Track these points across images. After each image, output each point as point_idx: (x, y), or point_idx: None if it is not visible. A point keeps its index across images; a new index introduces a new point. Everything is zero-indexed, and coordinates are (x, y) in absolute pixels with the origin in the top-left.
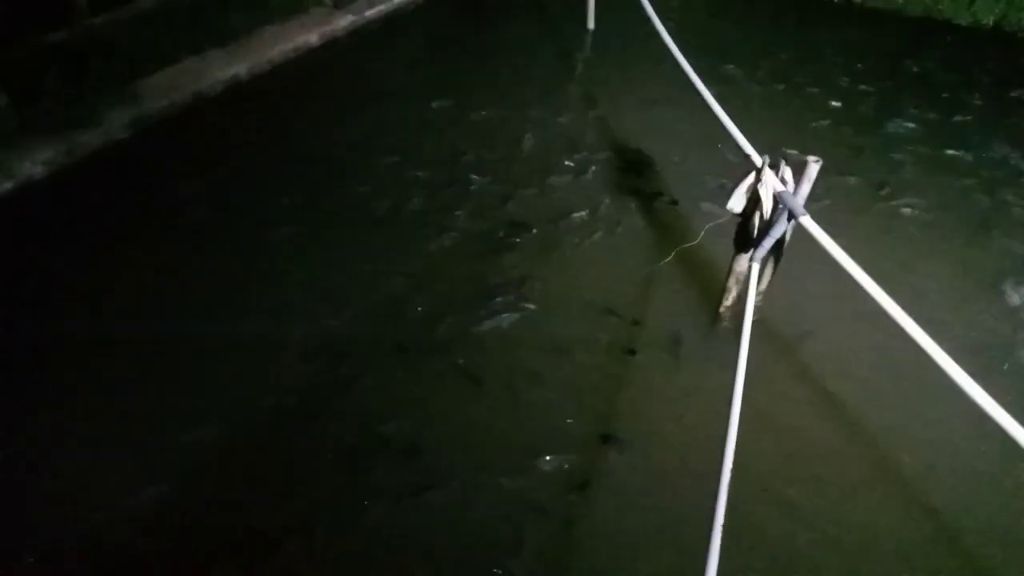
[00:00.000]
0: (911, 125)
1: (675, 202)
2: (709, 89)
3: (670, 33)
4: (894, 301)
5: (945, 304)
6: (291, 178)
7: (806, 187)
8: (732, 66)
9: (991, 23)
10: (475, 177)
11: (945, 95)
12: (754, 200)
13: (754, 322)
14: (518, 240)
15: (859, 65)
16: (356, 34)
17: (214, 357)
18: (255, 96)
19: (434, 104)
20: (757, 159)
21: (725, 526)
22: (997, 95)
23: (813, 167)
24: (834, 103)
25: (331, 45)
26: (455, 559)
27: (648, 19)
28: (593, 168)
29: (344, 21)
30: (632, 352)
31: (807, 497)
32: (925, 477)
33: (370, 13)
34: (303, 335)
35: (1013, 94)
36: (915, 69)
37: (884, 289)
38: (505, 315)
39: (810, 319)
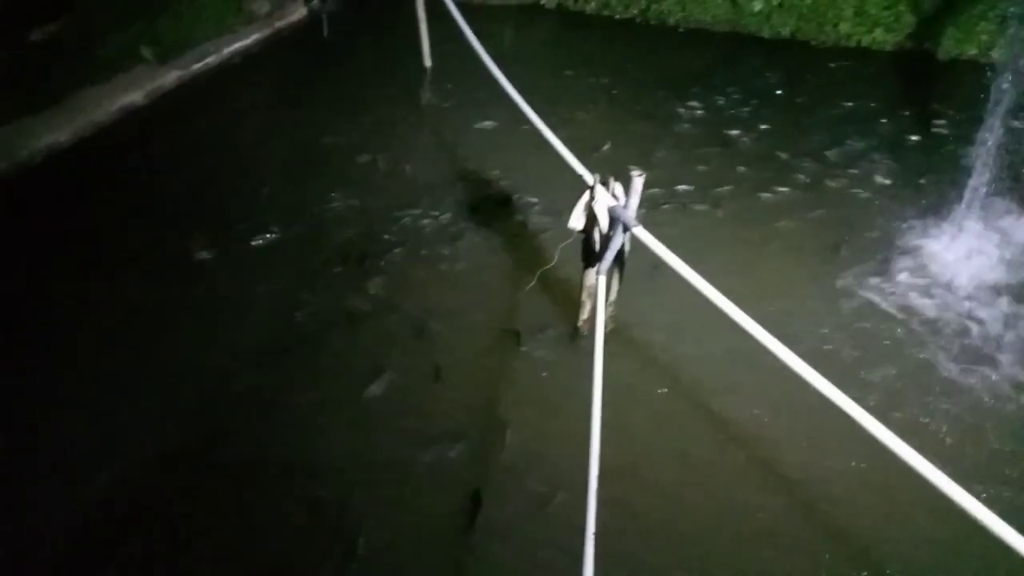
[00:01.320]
0: (733, 133)
1: (529, 226)
2: (547, 115)
3: (505, 65)
4: (731, 301)
5: (782, 297)
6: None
7: (635, 200)
8: (567, 92)
9: (788, 34)
10: (330, 212)
11: (754, 101)
12: (592, 217)
13: (612, 330)
14: (377, 278)
15: (682, 81)
16: (188, 87)
17: None
18: (74, 164)
19: (275, 147)
20: (589, 178)
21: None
22: (786, 100)
23: (638, 180)
24: (662, 118)
25: (159, 102)
26: None
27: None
28: (446, 201)
29: (171, 77)
30: (504, 376)
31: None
32: (781, 462)
33: (198, 67)
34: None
35: (799, 100)
36: (728, 80)
37: (723, 291)
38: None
39: (664, 323)
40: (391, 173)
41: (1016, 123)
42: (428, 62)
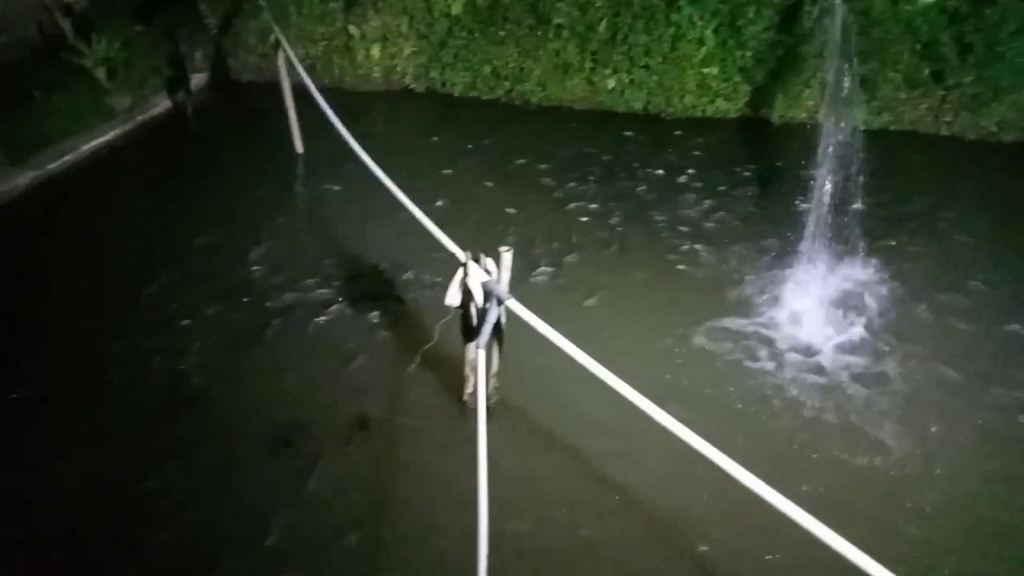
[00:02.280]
0: (593, 206)
1: (408, 307)
2: (418, 196)
3: (378, 149)
4: (598, 363)
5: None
6: None
7: (506, 274)
8: (438, 173)
9: (641, 108)
10: (199, 316)
11: (603, 171)
12: (467, 292)
13: (497, 401)
14: (262, 358)
15: (546, 158)
16: (42, 188)
17: None
18: None
19: (139, 246)
20: (461, 255)
21: None
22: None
23: (506, 256)
24: (530, 195)
25: (12, 205)
26: None
27: (355, 138)
28: (324, 286)
29: (24, 179)
30: (390, 455)
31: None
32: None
33: (54, 166)
34: None
35: (648, 169)
36: (591, 153)
37: (595, 354)
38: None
39: (545, 390)
40: (264, 261)
41: (840, 177)
42: (300, 148)
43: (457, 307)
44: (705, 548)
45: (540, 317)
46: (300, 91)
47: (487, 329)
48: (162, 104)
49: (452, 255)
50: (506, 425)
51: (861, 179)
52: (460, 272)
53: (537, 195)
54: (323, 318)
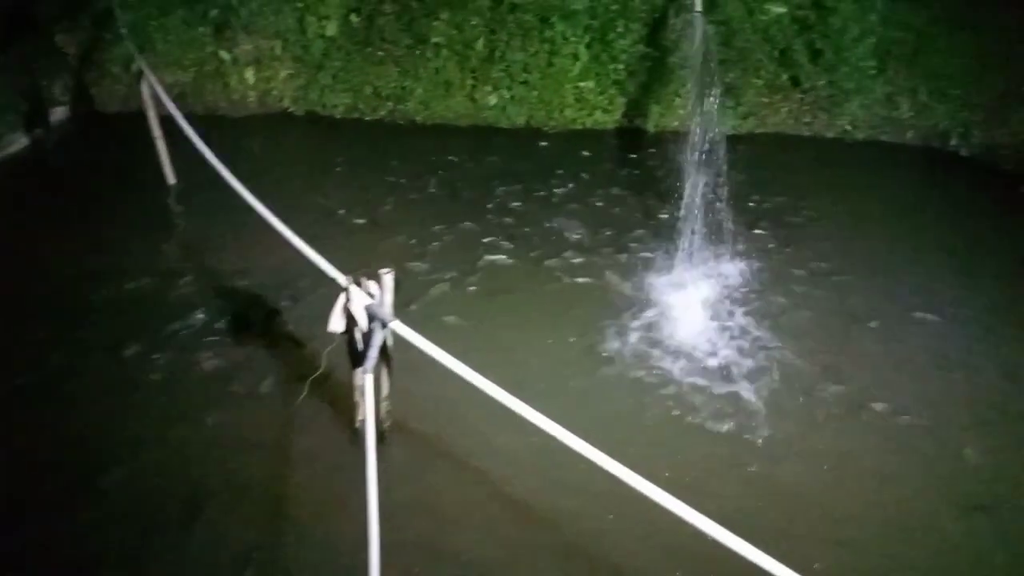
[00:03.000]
0: (471, 223)
1: (293, 336)
2: (295, 219)
3: (255, 176)
4: (493, 382)
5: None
6: None
7: (389, 296)
8: (317, 197)
9: (524, 123)
10: (78, 360)
11: (487, 185)
12: (351, 317)
13: (392, 425)
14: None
15: (428, 176)
16: None
17: None
18: None
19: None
20: (342, 280)
21: None
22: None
23: (387, 278)
24: (413, 214)
25: None
26: None
27: (232, 165)
28: (205, 318)
29: None
30: (281, 487)
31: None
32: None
33: None
34: None
35: (529, 184)
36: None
37: (483, 370)
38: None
39: (439, 411)
40: (140, 299)
41: (709, 181)
42: (171, 179)
43: (342, 333)
44: (602, 562)
45: (427, 337)
46: (171, 120)
47: (373, 353)
48: (18, 143)
49: (333, 280)
50: (402, 449)
51: (728, 182)
52: (342, 297)
53: (419, 213)
54: (204, 354)
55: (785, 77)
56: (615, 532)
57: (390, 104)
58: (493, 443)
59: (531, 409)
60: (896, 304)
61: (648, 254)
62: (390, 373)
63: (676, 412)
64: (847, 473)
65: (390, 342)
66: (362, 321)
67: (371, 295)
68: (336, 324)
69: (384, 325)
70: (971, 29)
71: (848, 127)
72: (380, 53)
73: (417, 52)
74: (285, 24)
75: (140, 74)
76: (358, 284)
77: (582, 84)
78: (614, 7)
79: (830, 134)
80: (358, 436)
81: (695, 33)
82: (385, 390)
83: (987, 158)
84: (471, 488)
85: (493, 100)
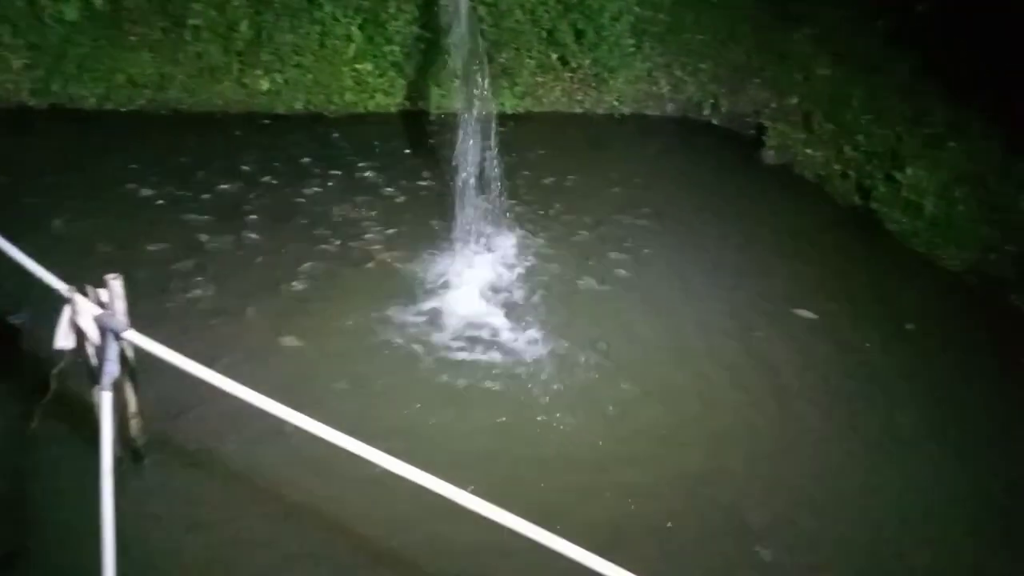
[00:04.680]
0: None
1: (18, 358)
2: (21, 228)
3: None
4: (241, 384)
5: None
6: None
7: (120, 304)
8: (56, 198)
9: (302, 108)
10: None
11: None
12: (80, 331)
13: (147, 442)
14: None
15: (186, 168)
16: None
17: None
18: None
19: None
20: (64, 289)
21: None
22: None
23: (115, 284)
24: (165, 212)
25: None
26: None
27: None
28: None
29: None
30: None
31: None
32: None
33: None
34: None
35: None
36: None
37: (257, 371)
38: None
39: (199, 422)
40: None
41: (487, 162)
42: None
43: (73, 349)
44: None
45: (196, 341)
46: None
47: (109, 368)
48: None
49: (55, 292)
50: (162, 467)
51: (504, 161)
52: (67, 310)
53: (173, 211)
54: None
55: (555, 57)
56: (390, 522)
57: (148, 93)
58: (255, 448)
59: (291, 411)
60: (658, 267)
61: (429, 236)
62: (136, 387)
63: (452, 384)
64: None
65: (129, 352)
66: (92, 334)
67: (103, 305)
68: (64, 340)
69: (118, 336)
70: (716, 7)
71: (616, 103)
72: (132, 38)
73: (174, 35)
74: (14, 9)
75: None
76: (84, 293)
77: (359, 66)
78: None
79: (600, 110)
80: (123, 453)
81: (460, 14)
82: (133, 405)
83: (733, 126)
84: (235, 504)
85: (265, 85)
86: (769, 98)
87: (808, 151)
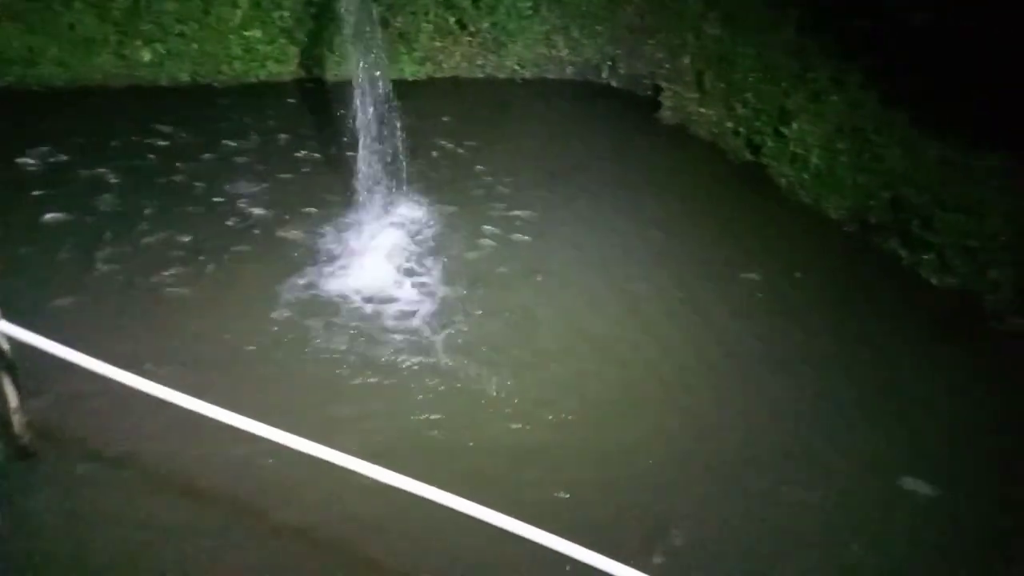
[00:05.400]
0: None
1: None
2: None
3: None
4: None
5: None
6: None
7: None
8: None
9: (188, 79)
10: None
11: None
12: None
13: (34, 438)
14: None
15: (61, 147)
16: None
17: None
18: None
19: None
20: None
21: None
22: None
23: None
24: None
25: None
26: None
27: None
28: None
29: None
30: None
31: None
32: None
33: None
34: None
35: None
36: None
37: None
38: None
39: (95, 415)
40: None
41: (387, 128)
42: None
43: None
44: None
45: (76, 326)
46: None
47: None
48: None
49: None
50: (50, 465)
51: (403, 130)
52: None
53: (55, 191)
54: None
55: (452, 21)
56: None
57: (18, 68)
58: (156, 445)
59: (180, 394)
60: (561, 230)
61: (330, 205)
62: (16, 381)
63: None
64: None
65: (5, 345)
66: None
67: None
68: None
69: None
70: None
71: (516, 67)
72: None
73: (42, 5)
74: None
75: None
76: None
77: (247, 33)
78: None
79: (502, 75)
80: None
81: None
82: (14, 401)
83: (631, 87)
84: (130, 492)
85: (147, 56)
86: (664, 59)
87: (702, 110)
